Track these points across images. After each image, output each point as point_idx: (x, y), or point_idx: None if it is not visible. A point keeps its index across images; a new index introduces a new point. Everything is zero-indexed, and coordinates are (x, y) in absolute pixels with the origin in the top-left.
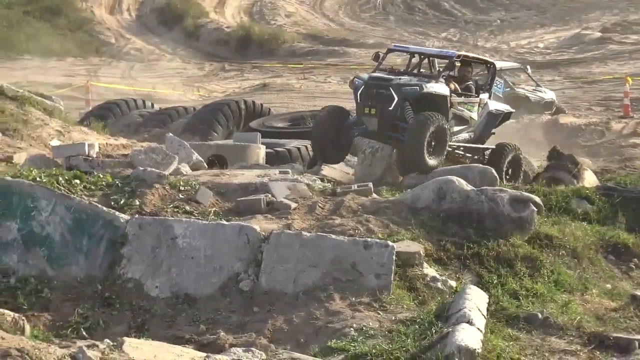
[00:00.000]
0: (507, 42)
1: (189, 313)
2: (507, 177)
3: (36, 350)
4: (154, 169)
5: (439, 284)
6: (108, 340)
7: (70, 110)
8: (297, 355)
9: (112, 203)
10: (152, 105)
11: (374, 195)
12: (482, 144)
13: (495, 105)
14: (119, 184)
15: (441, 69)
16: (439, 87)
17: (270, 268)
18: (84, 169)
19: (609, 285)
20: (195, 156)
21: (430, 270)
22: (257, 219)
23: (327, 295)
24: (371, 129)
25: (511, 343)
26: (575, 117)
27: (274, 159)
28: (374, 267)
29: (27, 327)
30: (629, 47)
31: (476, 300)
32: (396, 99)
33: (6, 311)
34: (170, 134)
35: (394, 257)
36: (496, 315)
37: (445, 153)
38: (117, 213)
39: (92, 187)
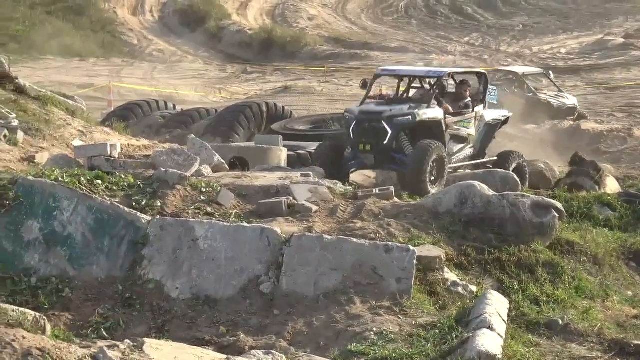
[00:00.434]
0: (530, 47)
1: (210, 315)
2: None
3: (57, 350)
4: (175, 170)
5: (460, 289)
6: (128, 341)
7: (92, 110)
8: (317, 358)
9: (134, 204)
10: (174, 107)
11: (395, 199)
12: (484, 156)
13: (491, 115)
14: (141, 185)
15: (432, 91)
16: (432, 112)
17: (291, 271)
18: (105, 169)
19: (630, 292)
20: (217, 158)
21: (451, 275)
22: (278, 222)
23: (348, 299)
24: (369, 164)
25: (532, 349)
26: (597, 123)
27: (296, 162)
28: (394, 271)
29: (48, 327)
30: None
31: (497, 306)
32: (390, 132)
33: (27, 310)
34: (193, 136)
35: (414, 261)
36: (517, 321)
37: (445, 179)
38: (138, 214)
39: (114, 188)
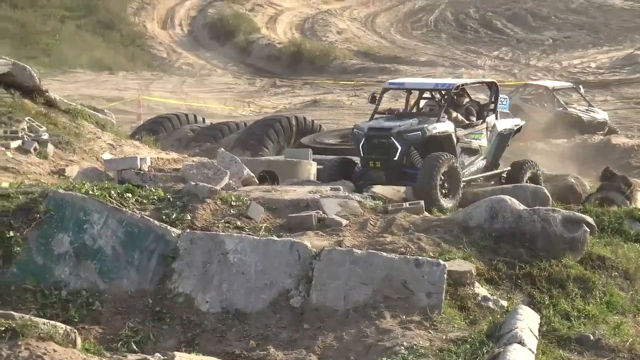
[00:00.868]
0: (560, 61)
1: (239, 328)
2: None
3: None
4: (205, 184)
5: (490, 304)
6: (159, 355)
7: (121, 124)
8: None
9: (164, 217)
10: (203, 120)
11: (426, 213)
12: (498, 166)
13: (503, 125)
14: (171, 198)
15: (441, 103)
16: (442, 126)
17: (321, 285)
18: (135, 182)
19: None
20: (247, 171)
21: (481, 290)
22: (308, 236)
23: (378, 313)
24: (379, 181)
25: None
26: (627, 137)
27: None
28: (425, 285)
29: (79, 340)
30: None
31: (528, 321)
32: (400, 148)
33: (58, 324)
34: (222, 149)
35: (445, 275)
36: (548, 336)
37: (460, 192)
38: (168, 227)
39: (144, 201)
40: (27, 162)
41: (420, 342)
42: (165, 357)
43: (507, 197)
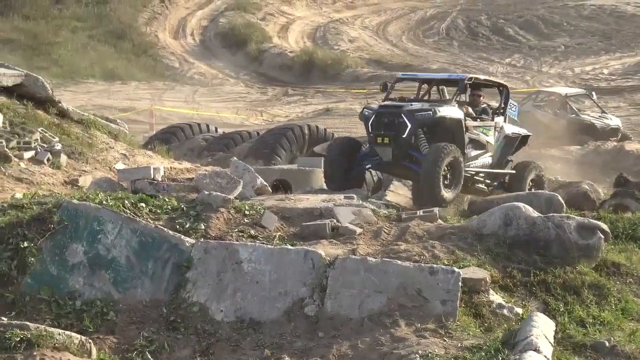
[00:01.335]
0: (572, 68)
1: (254, 337)
2: None
3: None
4: (219, 193)
5: (505, 311)
6: None
7: (134, 133)
8: None
9: (178, 227)
10: (216, 130)
11: (440, 221)
12: (503, 168)
13: (511, 129)
14: (184, 208)
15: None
16: (452, 111)
17: (335, 293)
18: (149, 192)
19: None
20: (260, 180)
21: (496, 297)
22: (322, 244)
23: (393, 321)
24: (385, 159)
25: None
26: None
27: None
28: (439, 293)
29: (94, 350)
30: None
31: (543, 328)
32: (409, 125)
33: (73, 334)
34: (235, 158)
35: (459, 283)
36: (563, 343)
37: (461, 185)
38: (182, 237)
39: (158, 211)
40: (41, 172)
41: (436, 350)
42: None
43: (521, 204)
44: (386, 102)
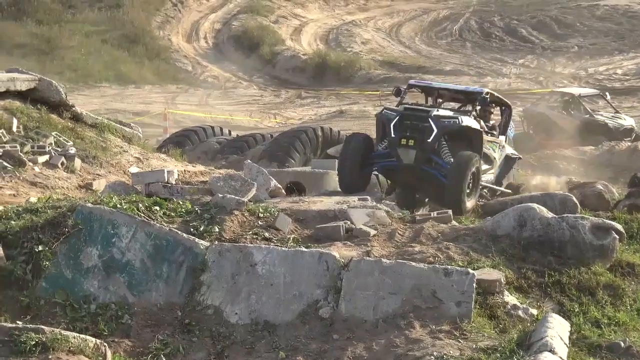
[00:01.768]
0: (585, 68)
1: (269, 340)
2: None
3: None
4: (233, 196)
5: (520, 312)
6: None
7: (148, 137)
8: None
9: (192, 230)
10: (230, 132)
11: (454, 222)
12: (501, 186)
13: (510, 150)
14: (199, 211)
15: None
16: (473, 122)
17: (349, 295)
18: (163, 195)
19: None
20: (274, 183)
21: (511, 298)
22: (336, 246)
23: (407, 323)
24: (406, 161)
25: None
26: None
27: None
28: (454, 294)
29: (109, 354)
30: None
31: (558, 329)
32: (435, 130)
33: (88, 337)
34: (249, 161)
35: (474, 284)
36: (578, 344)
37: (478, 194)
38: (196, 240)
39: (172, 214)
40: (55, 176)
41: (450, 352)
42: None
43: (535, 205)
44: (410, 105)
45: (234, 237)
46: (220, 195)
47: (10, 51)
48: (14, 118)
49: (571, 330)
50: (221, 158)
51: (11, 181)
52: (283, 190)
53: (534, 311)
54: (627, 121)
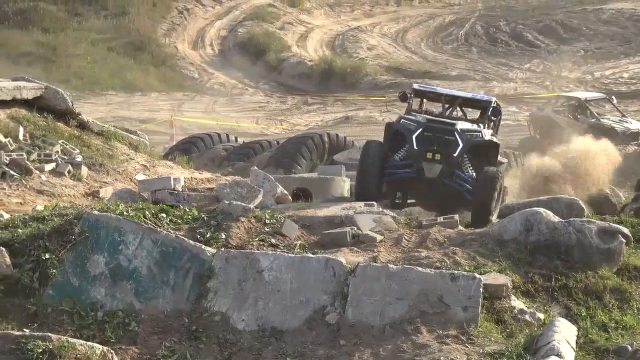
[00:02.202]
0: (592, 72)
1: (276, 346)
2: None
3: None
4: (239, 203)
5: (527, 317)
6: None
7: (154, 144)
8: None
9: (198, 236)
10: (236, 139)
11: (460, 227)
12: None
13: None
14: (205, 218)
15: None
16: (492, 136)
17: (356, 301)
18: (169, 202)
19: None
20: (280, 189)
21: (517, 303)
22: (342, 252)
23: (414, 328)
24: (430, 175)
25: None
26: None
27: None
28: (461, 299)
29: None
30: None
31: (565, 333)
32: (461, 145)
33: (95, 345)
34: (255, 168)
35: (481, 289)
36: (585, 348)
37: (499, 207)
38: (203, 246)
39: (178, 221)
40: (62, 184)
41: (458, 357)
42: None
43: (541, 210)
44: (432, 117)
45: (240, 243)
46: (226, 202)
47: (16, 60)
48: (21, 126)
49: (578, 334)
50: (227, 165)
51: (18, 189)
52: (289, 197)
53: (541, 315)
54: (634, 125)
